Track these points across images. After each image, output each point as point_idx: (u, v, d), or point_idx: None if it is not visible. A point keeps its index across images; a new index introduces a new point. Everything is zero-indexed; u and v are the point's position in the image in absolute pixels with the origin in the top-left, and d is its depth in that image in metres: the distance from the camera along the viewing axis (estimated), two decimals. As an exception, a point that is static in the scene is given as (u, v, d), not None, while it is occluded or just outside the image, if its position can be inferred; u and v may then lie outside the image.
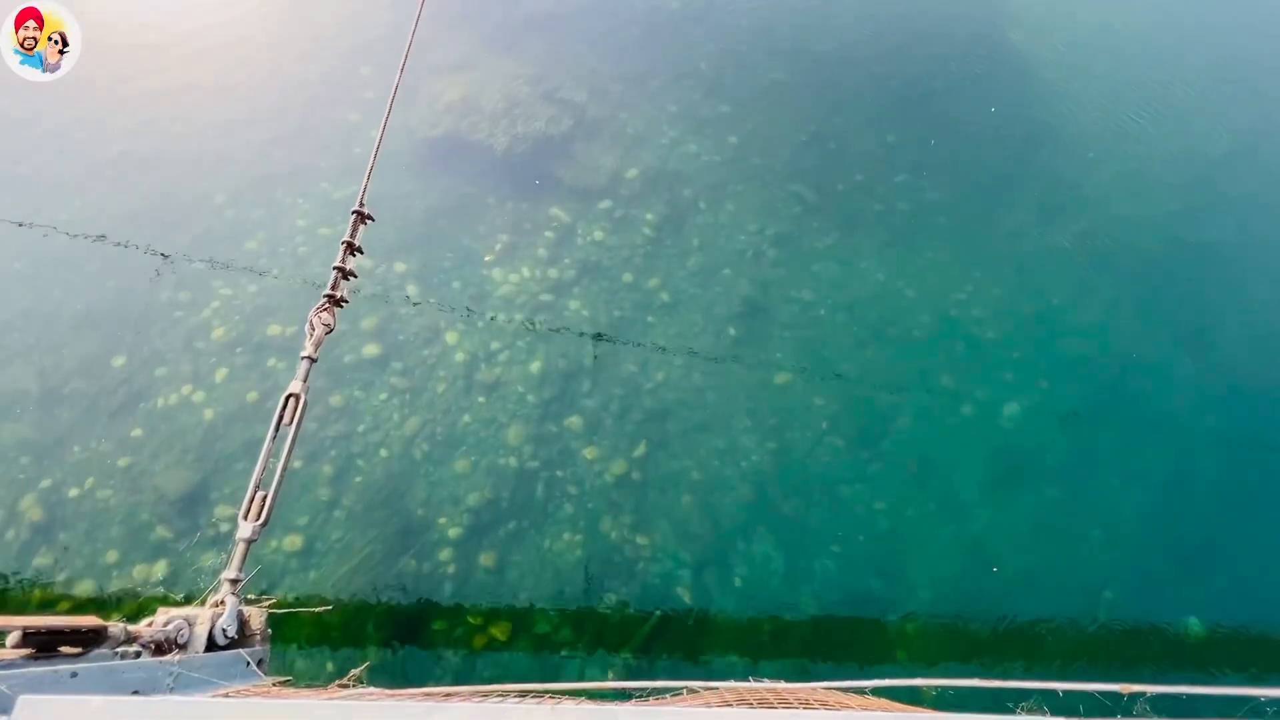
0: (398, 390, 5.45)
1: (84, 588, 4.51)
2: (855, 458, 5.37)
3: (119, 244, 6.04)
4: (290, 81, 7.50)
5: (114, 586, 4.52)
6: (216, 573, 4.57)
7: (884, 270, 6.47)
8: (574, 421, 5.40)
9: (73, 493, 4.82)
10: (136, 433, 5.10)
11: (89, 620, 1.15)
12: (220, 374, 5.41)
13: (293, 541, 4.73)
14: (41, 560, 4.58)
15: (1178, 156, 7.66)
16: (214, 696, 1.11)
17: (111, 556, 4.62)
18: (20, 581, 4.52)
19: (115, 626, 1.18)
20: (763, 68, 8.09)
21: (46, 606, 4.41)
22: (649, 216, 6.65)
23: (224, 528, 4.76)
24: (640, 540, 4.91)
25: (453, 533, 4.84)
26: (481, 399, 5.46)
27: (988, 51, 8.54)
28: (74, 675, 0.97)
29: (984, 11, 9.03)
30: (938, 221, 6.89)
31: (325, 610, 4.33)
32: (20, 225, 6.09)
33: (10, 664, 1.03)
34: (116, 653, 1.17)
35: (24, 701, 0.88)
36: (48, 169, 6.56)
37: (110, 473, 4.92)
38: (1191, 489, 5.44)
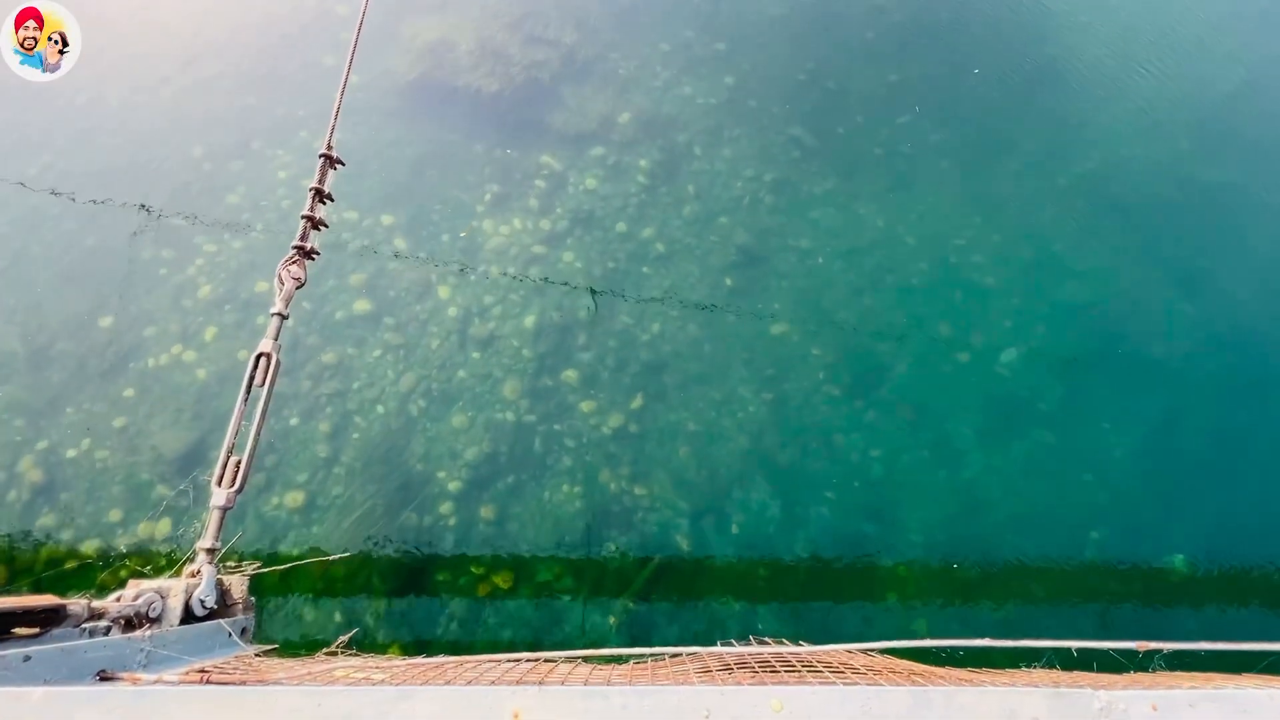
0: (391, 346, 5.40)
1: (90, 546, 4.57)
2: (851, 407, 5.39)
3: (94, 200, 5.85)
4: (261, 22, 7.11)
5: (122, 544, 4.57)
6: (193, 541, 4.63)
7: (883, 216, 6.33)
8: (570, 375, 5.38)
9: (70, 453, 4.82)
10: (129, 393, 5.06)
11: (44, 599, 1.10)
12: (210, 332, 5.34)
13: (294, 498, 4.77)
14: (45, 520, 4.62)
15: (1188, 94, 7.41)
16: (187, 673, 1.09)
17: (114, 515, 4.66)
18: (27, 540, 4.57)
19: (76, 604, 1.14)
20: (760, 2, 7.70)
21: (54, 565, 4.48)
22: (643, 163, 6.45)
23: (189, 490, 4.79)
24: (638, 491, 4.96)
25: (452, 486, 4.89)
26: (476, 354, 5.41)
27: (996, -19, 8.12)
28: (26, 659, 0.92)
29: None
30: (940, 165, 6.70)
31: (326, 562, 4.41)
32: (20, 185, 5.88)
33: None
34: (85, 629, 1.14)
35: None
36: (12, 120, 6.28)
37: (106, 433, 4.90)
38: (1183, 432, 5.50)
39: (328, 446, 4.97)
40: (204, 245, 5.72)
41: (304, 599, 4.44)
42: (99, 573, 4.42)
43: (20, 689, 0.80)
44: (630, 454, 5.08)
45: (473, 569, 4.65)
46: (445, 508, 4.82)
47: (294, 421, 5.03)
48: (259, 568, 1.43)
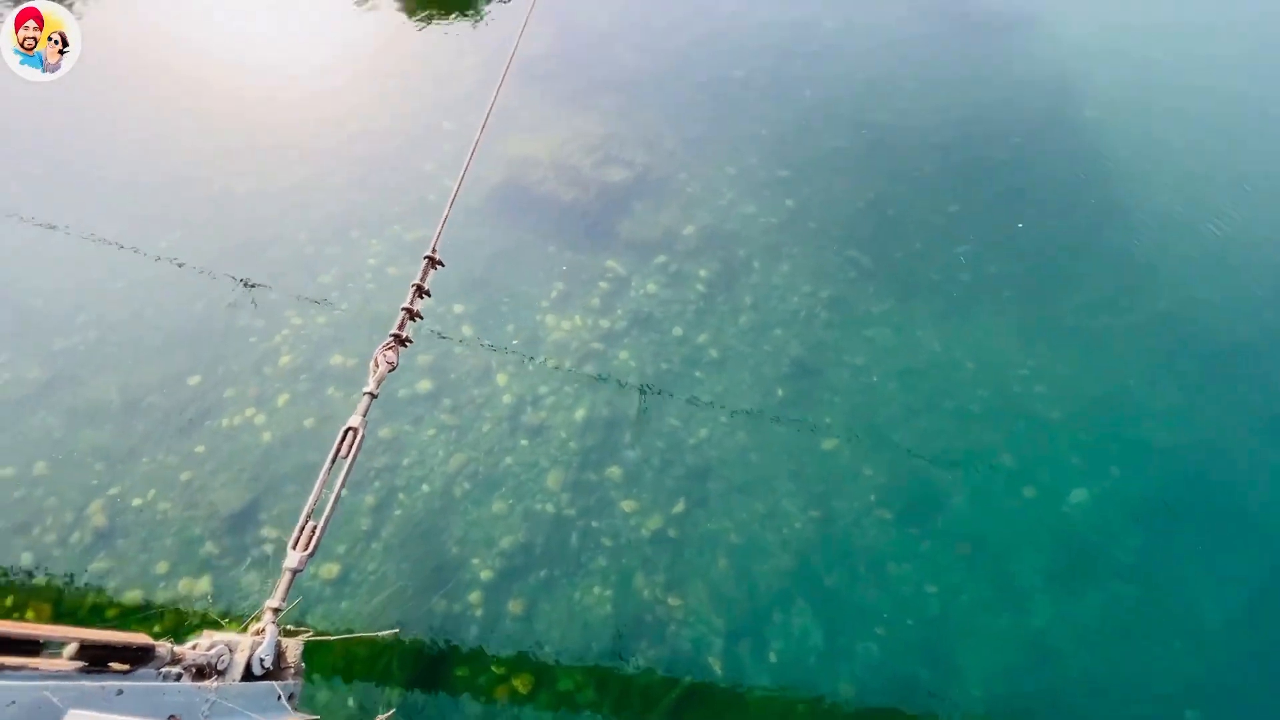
0: (445, 427, 5.56)
1: (132, 596, 4.67)
2: (905, 534, 5.10)
3: (209, 272, 6.52)
4: (379, 131, 8.10)
5: (160, 598, 4.65)
6: (253, 591, 4.66)
7: (940, 340, 6.29)
8: (614, 472, 5.36)
9: (136, 502, 5.06)
10: (199, 449, 5.35)
11: (140, 638, 1.17)
12: (282, 399, 5.67)
13: (330, 569, 4.79)
14: (98, 565, 4.78)
15: (1262, 240, 7.28)
16: None
17: (162, 568, 4.78)
18: (77, 585, 4.71)
19: (162, 646, 1.20)
20: (823, 135, 8.24)
21: (96, 612, 4.57)
22: (703, 273, 6.73)
23: (267, 548, 4.88)
24: (673, 601, 4.74)
25: (484, 575, 4.81)
26: (525, 441, 5.50)
27: (1057, 127, 8.46)
28: (119, 693, 0.99)
29: (1054, 88, 9.00)
30: (999, 294, 6.70)
31: (373, 636, 4.35)
32: (122, 248, 6.67)
33: (64, 675, 1.06)
34: (160, 673, 1.18)
35: (72, 715, 0.91)
36: (159, 201, 7.22)
37: (172, 485, 5.15)
38: (1289, 602, 4.89)
39: (370, 520, 5.04)
40: (292, 318, 6.22)
41: (321, 679, 4.33)
42: (134, 624, 4.47)
43: (119, 718, 0.87)
44: (667, 560, 4.91)
45: (493, 668, 4.46)
46: (474, 596, 4.72)
47: (342, 492, 5.15)
48: (312, 635, 1.45)
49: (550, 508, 5.14)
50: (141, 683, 1.10)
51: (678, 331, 6.28)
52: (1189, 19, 10.59)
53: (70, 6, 9.53)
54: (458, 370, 5.93)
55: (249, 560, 4.79)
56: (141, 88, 8.58)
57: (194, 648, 1.26)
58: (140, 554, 4.85)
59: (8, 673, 1.03)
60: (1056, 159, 8.11)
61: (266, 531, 4.95)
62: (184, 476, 5.21)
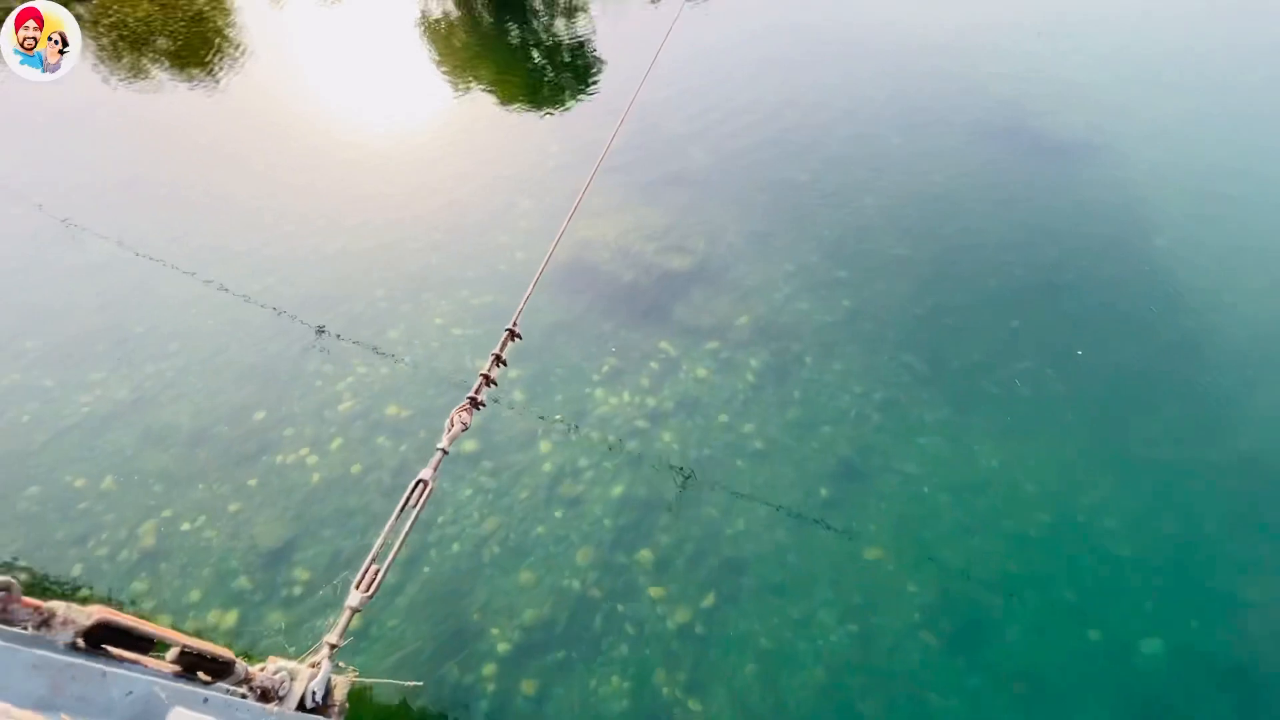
0: (483, 489, 5.61)
1: (160, 621, 4.74)
2: (951, 663, 4.70)
3: (289, 315, 7.01)
4: (462, 204, 8.76)
5: (188, 626, 4.71)
6: (278, 630, 4.66)
7: (999, 457, 6.02)
8: (645, 555, 5.23)
9: (185, 526, 5.24)
10: (252, 481, 5.56)
11: (227, 652, 1.24)
12: (335, 443, 5.88)
13: (353, 621, 4.75)
14: (137, 585, 4.91)
15: (1363, 388, 6.79)
16: None
17: (194, 596, 4.87)
18: (113, 602, 4.84)
19: (240, 664, 1.26)
20: (885, 241, 8.39)
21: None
22: (753, 363, 6.77)
23: (296, 590, 4.91)
24: (693, 705, 4.46)
25: (501, 647, 4.67)
26: (559, 513, 5.47)
27: (1127, 254, 8.35)
28: (205, 700, 1.05)
29: (1125, 216, 8.96)
30: (1064, 415, 6.43)
31: (410, 685, 4.35)
32: (222, 289, 7.28)
33: (164, 675, 1.14)
34: (231, 690, 1.24)
35: (177, 713, 0.98)
36: (260, 254, 7.92)
37: (220, 515, 5.32)
38: None
39: (397, 574, 5.04)
40: (357, 367, 6.55)
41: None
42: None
43: (210, 716, 0.94)
44: (692, 657, 4.66)
45: (498, 750, 4.24)
46: (489, 669, 4.58)
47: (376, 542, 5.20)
48: (358, 675, 1.49)
49: (577, 585, 5.02)
50: (220, 695, 1.16)
51: (723, 418, 6.26)
52: (1268, 155, 10.51)
53: (209, 82, 10.96)
54: (503, 433, 6.05)
55: (274, 598, 4.82)
56: (257, 157, 9.65)
57: (262, 670, 1.31)
58: (177, 579, 4.96)
59: (125, 664, 1.10)
60: (1126, 285, 7.95)
61: (298, 573, 5.01)
62: (232, 507, 5.39)
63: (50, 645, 1.06)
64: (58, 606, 1.11)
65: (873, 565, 5.25)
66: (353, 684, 1.45)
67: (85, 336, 6.83)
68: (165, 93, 10.87)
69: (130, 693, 1.04)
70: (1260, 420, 6.46)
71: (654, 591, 5.00)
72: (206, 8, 12.90)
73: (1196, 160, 10.22)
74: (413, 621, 4.78)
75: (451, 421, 1.99)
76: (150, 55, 11.53)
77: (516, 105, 10.97)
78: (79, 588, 4.88)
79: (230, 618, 4.74)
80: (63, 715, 0.95)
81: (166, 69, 11.25)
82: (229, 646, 4.41)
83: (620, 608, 4.91)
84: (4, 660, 0.99)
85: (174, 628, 4.58)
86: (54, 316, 7.08)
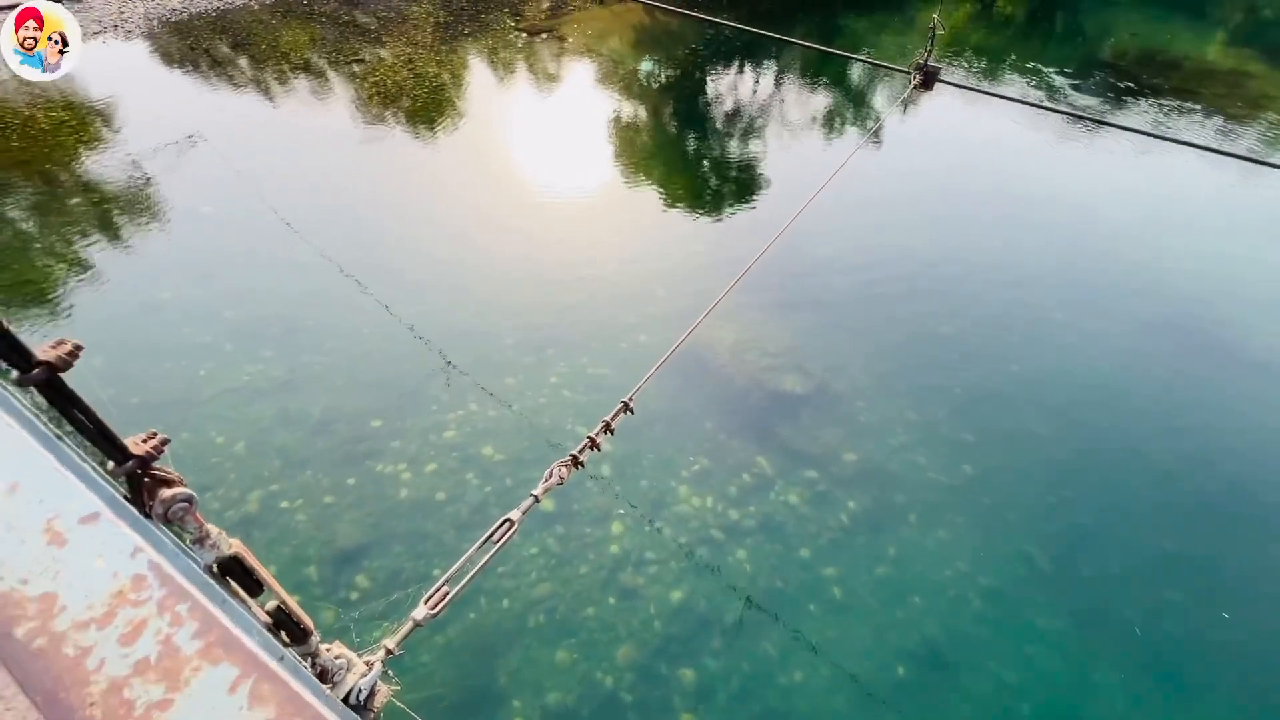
0: (549, 552, 5.60)
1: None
2: None
3: (430, 341, 7.71)
4: (605, 280, 9.36)
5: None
6: (330, 628, 4.81)
7: (1125, 698, 5.07)
8: (687, 674, 4.87)
9: (284, 504, 5.69)
10: (351, 481, 5.97)
11: (309, 622, 1.34)
12: (430, 466, 6.21)
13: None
14: (229, 545, 5.34)
15: None
16: None
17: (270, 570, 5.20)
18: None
19: (315, 638, 1.36)
20: (1022, 414, 7.76)
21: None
22: (851, 504, 6.36)
23: (354, 595, 5.09)
24: None
25: (519, 723, 4.48)
26: (613, 600, 5.30)
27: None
28: (281, 659, 1.14)
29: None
30: (1223, 666, 5.33)
31: None
32: (385, 306, 8.19)
33: (259, 621, 1.26)
34: (306, 658, 1.32)
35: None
36: (426, 279, 8.91)
37: (315, 503, 5.74)
38: None
39: (447, 613, 5.06)
40: (470, 403, 6.98)
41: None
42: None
43: (284, 673, 1.03)
44: (710, 809, 4.17)
45: (483, 835, 3.97)
46: (500, 742, 4.38)
47: (435, 572, 5.31)
48: (398, 689, 1.52)
49: (610, 682, 4.76)
50: (293, 658, 1.25)
51: (805, 554, 5.87)
52: None
53: (431, 137, 12.91)
54: (582, 503, 6.07)
55: (333, 597, 5.02)
56: (451, 205, 11.01)
57: (329, 650, 1.38)
58: (260, 550, 5.34)
59: (237, 599, 1.24)
60: (1325, 538, 6.65)
61: (360, 579, 5.20)
62: (327, 499, 5.79)
63: (195, 559, 1.22)
64: (213, 530, 1.28)
65: (942, 777, 4.50)
66: (390, 697, 1.48)
67: (269, 319, 7.93)
68: (394, 138, 12.93)
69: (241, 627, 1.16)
70: None
71: (686, 718, 4.61)
72: (449, 81, 15.39)
73: None
74: (444, 665, 4.74)
75: (550, 473, 2.06)
76: (393, 109, 13.85)
77: (677, 206, 11.77)
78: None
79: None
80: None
81: (402, 122, 13.44)
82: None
83: (647, 724, 4.56)
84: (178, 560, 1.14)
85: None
86: (255, 297, 8.32)
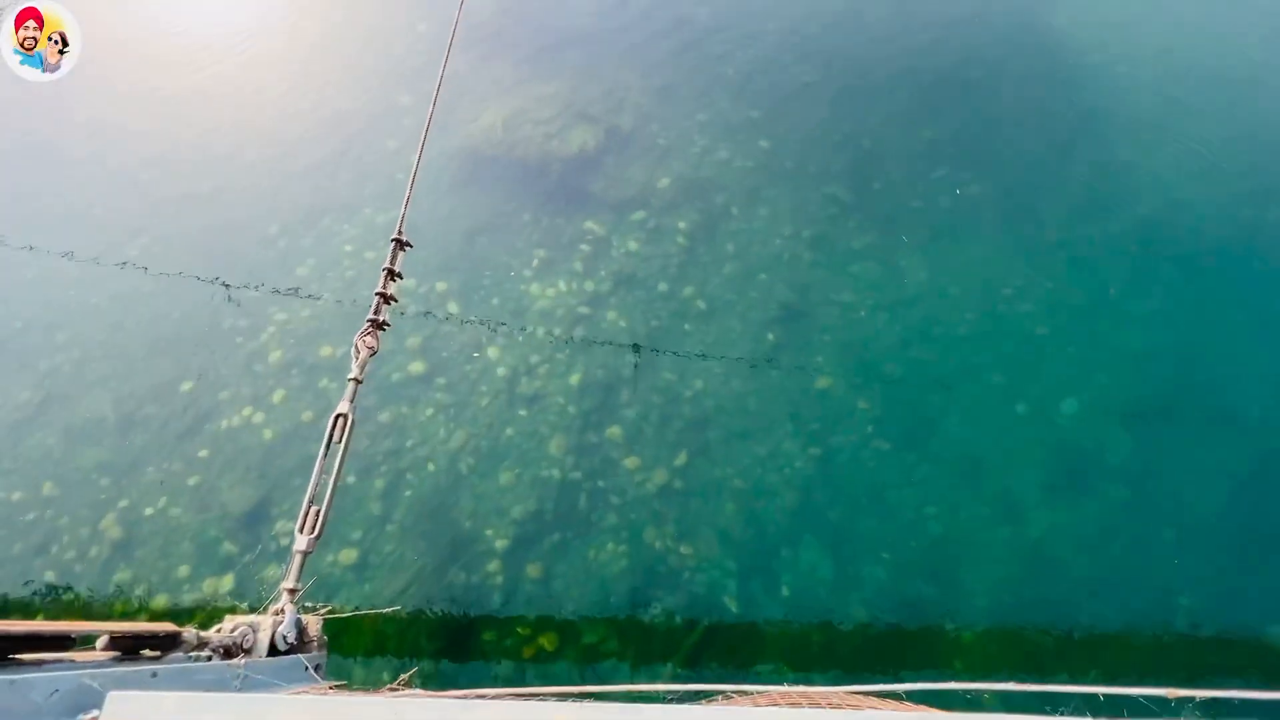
0: (443, 406, 5.60)
1: (159, 601, 4.78)
2: (902, 460, 5.23)
3: (184, 275, 6.43)
4: (333, 114, 7.86)
5: (187, 600, 4.77)
6: (277, 584, 4.78)
7: (926, 268, 6.31)
8: (614, 432, 5.44)
9: (148, 511, 5.12)
10: (203, 453, 5.39)
11: (166, 626, 1.25)
12: (278, 395, 5.68)
13: (348, 555, 4.90)
14: (121, 575, 4.88)
15: (1242, 135, 7.24)
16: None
17: (183, 571, 4.88)
18: (103, 596, 4.82)
19: (188, 632, 1.28)
20: (792, 71, 8.05)
21: (127, 618, 4.68)
22: (682, 225, 6.68)
23: (284, 541, 4.97)
24: (684, 550, 4.89)
25: (499, 544, 4.93)
26: (523, 412, 5.56)
27: (1027, 38, 8.28)
28: (154, 675, 1.07)
29: (1021, 3, 8.76)
30: (981, 216, 6.69)
31: (387, 612, 4.50)
32: (96, 262, 6.55)
33: (100, 664, 1.14)
34: (190, 656, 1.26)
35: (113, 697, 0.98)
36: (117, 208, 7.05)
37: (181, 491, 5.20)
38: (1273, 486, 5.08)
39: (381, 504, 5.13)
40: (275, 314, 6.17)
41: (353, 658, 4.49)
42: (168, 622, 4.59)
43: (160, 694, 0.95)
44: (675, 511, 5.04)
45: (519, 629, 4.62)
46: (492, 566, 4.86)
47: (350, 479, 5.22)
48: (330, 612, 1.54)
49: (556, 473, 5.23)
50: (173, 665, 1.19)
51: (663, 287, 6.27)
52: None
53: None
54: (448, 348, 5.94)
55: (265, 553, 4.89)
56: (76, 96, 8.25)
57: (218, 631, 1.34)
58: (160, 560, 4.94)
59: (47, 666, 1.10)
60: (1029, 73, 7.96)
61: (281, 525, 5.04)
62: (191, 481, 5.26)
63: None
64: None
65: (824, 393, 5.62)
66: (325, 618, 1.52)
67: (-42, 345, 6.15)
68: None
69: (56, 691, 1.04)
70: (1152, 185, 6.88)
71: (629, 462, 5.27)
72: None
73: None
74: (409, 542, 4.96)
75: (357, 349, 1.92)
76: None
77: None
78: (59, 592, 4.81)
79: (226, 583, 4.81)
80: None
81: None
82: (235, 609, 4.50)
83: (601, 483, 5.18)
84: None
85: (171, 606, 4.63)
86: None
